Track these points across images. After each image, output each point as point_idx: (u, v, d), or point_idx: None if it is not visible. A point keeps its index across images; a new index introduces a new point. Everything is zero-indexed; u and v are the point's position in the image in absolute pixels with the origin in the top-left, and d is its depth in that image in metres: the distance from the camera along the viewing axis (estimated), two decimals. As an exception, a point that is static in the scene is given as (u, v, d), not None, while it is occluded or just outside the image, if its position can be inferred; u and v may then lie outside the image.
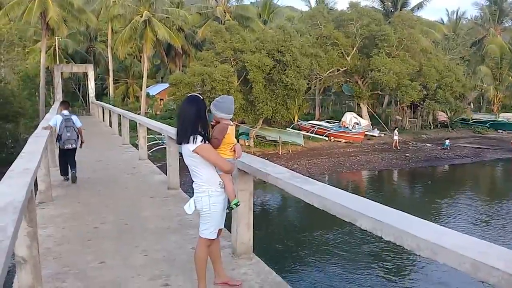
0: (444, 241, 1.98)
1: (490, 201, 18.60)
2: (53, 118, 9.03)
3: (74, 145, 8.61)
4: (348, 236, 13.08)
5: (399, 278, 10.67)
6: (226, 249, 4.65)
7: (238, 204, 3.57)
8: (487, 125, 38.17)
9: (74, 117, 8.84)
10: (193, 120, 3.36)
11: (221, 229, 3.73)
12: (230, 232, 4.66)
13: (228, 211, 3.57)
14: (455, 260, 1.87)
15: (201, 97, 3.49)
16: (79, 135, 8.77)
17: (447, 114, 37.68)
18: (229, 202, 3.59)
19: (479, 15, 51.35)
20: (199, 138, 3.33)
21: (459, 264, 1.86)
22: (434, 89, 32.63)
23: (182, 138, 3.38)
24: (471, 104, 45.20)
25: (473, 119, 39.40)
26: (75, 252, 4.66)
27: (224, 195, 3.51)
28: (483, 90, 44.43)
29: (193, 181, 3.51)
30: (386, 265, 11.35)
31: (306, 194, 3.14)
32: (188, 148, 3.35)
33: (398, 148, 29.27)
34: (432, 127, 37.52)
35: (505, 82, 42.67)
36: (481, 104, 49.54)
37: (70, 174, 8.45)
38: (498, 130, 37.46)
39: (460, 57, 42.32)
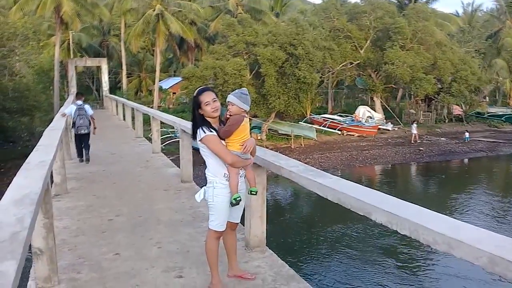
0: (460, 235, 1.95)
1: (505, 196, 18.35)
2: (69, 107, 10.46)
3: (86, 131, 9.98)
4: (362, 230, 13.04)
5: (413, 273, 10.61)
6: (239, 242, 4.65)
7: (238, 199, 3.51)
8: (502, 118, 37.59)
9: (86, 106, 10.22)
10: (198, 114, 3.47)
11: (236, 223, 3.74)
12: (244, 225, 4.68)
13: (231, 206, 3.51)
14: (472, 254, 1.85)
15: (195, 93, 3.53)
16: (91, 122, 10.17)
17: (462, 108, 37.19)
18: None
19: (495, 7, 50.43)
20: (205, 129, 3.39)
21: (476, 259, 1.83)
22: (448, 82, 32.23)
23: (192, 133, 3.55)
24: (487, 97, 44.49)
25: (488, 113, 38.83)
26: (90, 244, 4.71)
27: (229, 188, 3.48)
28: (498, 83, 43.75)
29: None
30: (401, 259, 11.29)
31: (320, 187, 3.13)
32: (197, 140, 3.47)
33: (418, 141, 29.06)
34: (446, 121, 37.09)
35: (521, 75, 41.96)
36: (497, 97, 48.80)
37: (84, 156, 9.83)
38: (514, 124, 36.90)
39: (476, 50, 41.62)
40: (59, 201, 6.40)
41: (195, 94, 3.51)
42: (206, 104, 3.40)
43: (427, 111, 36.58)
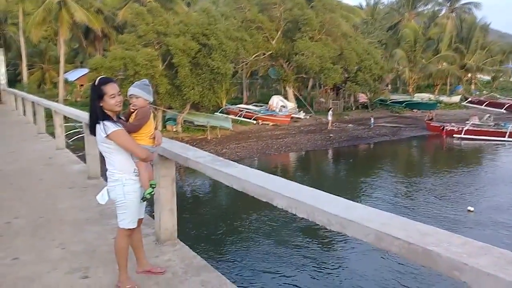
0: (351, 215, 2.07)
1: (406, 176, 19.92)
2: None
3: None
4: (276, 218, 13.39)
5: (326, 254, 11.15)
6: (150, 236, 4.56)
7: (152, 193, 3.45)
8: (403, 105, 40.63)
9: None
10: (98, 106, 3.23)
11: (142, 218, 3.64)
12: (154, 219, 4.58)
13: (142, 201, 3.44)
14: (361, 232, 1.97)
15: (95, 82, 3.28)
16: None
17: (367, 96, 39.57)
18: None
19: (395, 1, 54.10)
20: (110, 123, 3.18)
21: (365, 236, 1.95)
22: (354, 71, 34.08)
23: (92, 128, 3.26)
24: (389, 85, 47.83)
25: (390, 100, 41.78)
26: (-17, 251, 4.33)
27: (139, 183, 3.39)
28: (399, 72, 47.06)
29: (107, 169, 3.37)
30: (313, 242, 11.80)
31: (226, 176, 3.14)
32: (101, 135, 3.20)
33: (333, 128, 30.50)
34: (353, 108, 39.26)
35: (418, 64, 45.46)
36: (398, 85, 52.52)
37: None
38: (413, 110, 40.04)
39: (378, 41, 44.43)
40: None
41: (96, 83, 3.26)
42: (112, 97, 3.21)
43: (336, 100, 38.41)
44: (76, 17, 30.76)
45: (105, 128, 3.16)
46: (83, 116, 7.67)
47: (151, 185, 3.46)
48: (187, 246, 4.34)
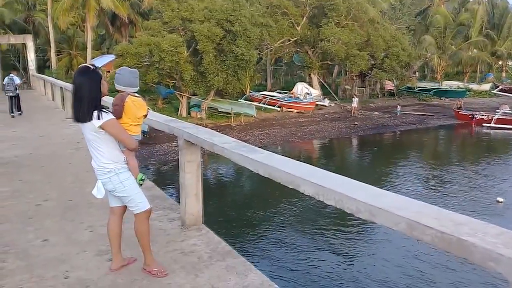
0: (381, 202, 2.02)
1: (434, 165, 19.55)
2: (6, 78, 15.43)
3: (12, 94, 14.78)
4: (302, 205, 13.36)
5: (346, 248, 11.08)
6: (175, 221, 4.62)
7: (143, 179, 3.46)
8: (431, 93, 39.69)
9: (15, 77, 15.37)
10: (93, 94, 3.11)
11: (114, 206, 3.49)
12: (179, 204, 4.63)
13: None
14: (391, 221, 1.92)
15: (92, 67, 3.21)
16: (16, 88, 15.07)
17: (393, 83, 38.82)
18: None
19: (424, -14, 52.56)
20: (105, 112, 3.12)
21: (395, 224, 1.91)
22: (381, 58, 33.40)
23: (84, 116, 3.08)
24: (416, 72, 46.75)
25: (418, 87, 40.85)
26: (15, 231, 4.46)
27: (129, 170, 3.36)
28: (427, 59, 45.94)
29: (94, 162, 3.30)
30: (340, 228, 11.74)
31: (252, 162, 3.12)
32: (92, 124, 3.09)
33: (358, 115, 30.12)
34: (379, 96, 38.59)
35: (448, 51, 44.25)
36: (426, 72, 51.33)
37: (15, 112, 14.84)
38: (442, 98, 39.08)
39: (406, 27, 43.37)
40: (-20, 188, 5.98)
41: (92, 68, 3.19)
42: (104, 80, 3.21)
43: (362, 87, 37.82)
44: (103, 4, 31.08)
45: (101, 116, 3.08)
46: (110, 101, 7.76)
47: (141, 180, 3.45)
48: (212, 232, 4.37)
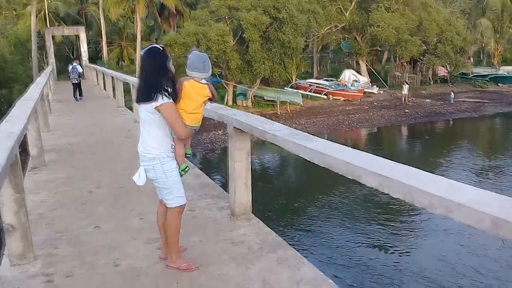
0: (459, 197, 1.79)
1: (491, 155, 18.51)
2: (70, 66, 17.25)
3: (76, 81, 16.52)
4: (352, 195, 13.03)
5: (400, 239, 10.68)
6: (225, 210, 4.53)
7: (186, 169, 3.32)
8: (487, 79, 37.67)
9: (78, 66, 17.18)
10: (155, 75, 3.03)
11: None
12: (228, 193, 4.53)
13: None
14: (473, 218, 1.69)
15: (162, 48, 3.11)
16: (80, 75, 16.81)
17: (447, 69, 37.12)
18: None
19: (481, -34, 49.71)
20: (165, 96, 3.01)
21: (478, 222, 1.68)
22: (434, 43, 32.01)
23: (145, 96, 3.02)
24: (471, 58, 44.44)
25: (473, 73, 38.84)
26: (68, 217, 4.52)
27: (175, 160, 3.23)
28: (483, 44, 43.64)
29: (140, 146, 3.19)
30: (391, 223, 11.35)
31: (307, 151, 2.94)
32: (150, 104, 3.01)
33: (409, 103, 29.10)
34: (431, 83, 37.08)
35: (505, 35, 41.83)
36: (481, 57, 48.84)
37: (78, 96, 16.53)
38: (499, 84, 37.01)
39: (461, 10, 41.28)
40: (36, 174, 6.16)
41: (161, 48, 3.09)
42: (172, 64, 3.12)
43: (413, 73, 36.46)
44: (151, -5, 31.53)
45: (160, 98, 2.99)
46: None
47: (186, 153, 3.34)
48: (262, 222, 4.24)
